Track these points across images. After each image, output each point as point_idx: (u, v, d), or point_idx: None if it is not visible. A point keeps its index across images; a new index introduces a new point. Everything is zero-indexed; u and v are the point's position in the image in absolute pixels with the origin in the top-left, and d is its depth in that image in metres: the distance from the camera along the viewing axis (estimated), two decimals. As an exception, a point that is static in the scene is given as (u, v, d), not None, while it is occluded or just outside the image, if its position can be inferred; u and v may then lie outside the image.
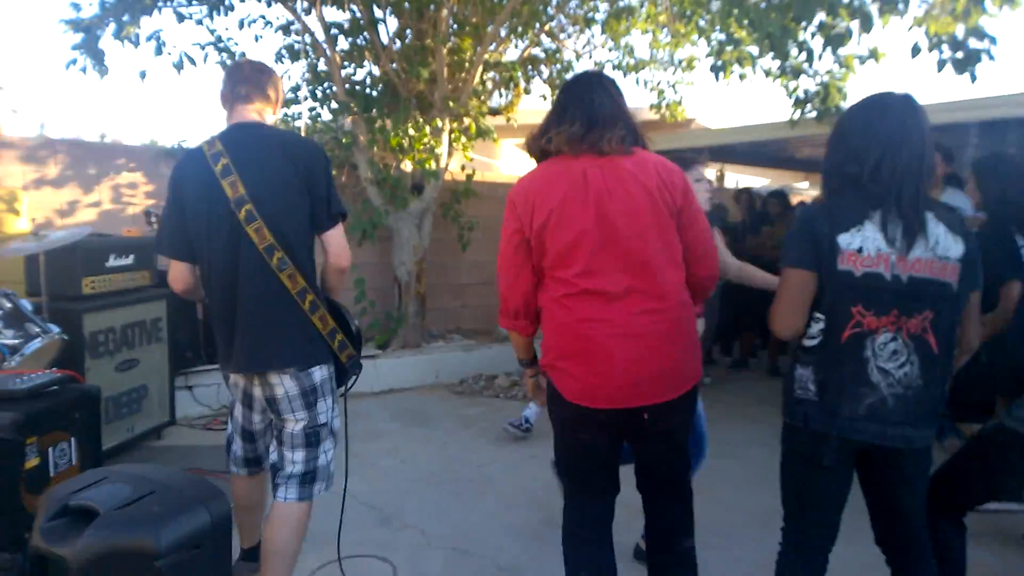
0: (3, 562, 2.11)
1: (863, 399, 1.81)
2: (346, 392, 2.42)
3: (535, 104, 7.47)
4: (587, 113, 1.97)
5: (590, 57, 7.02)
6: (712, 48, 6.06)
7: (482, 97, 6.46)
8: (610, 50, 7.00)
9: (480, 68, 5.98)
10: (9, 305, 2.98)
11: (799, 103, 5.91)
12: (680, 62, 7.15)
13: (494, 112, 6.76)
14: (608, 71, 6.98)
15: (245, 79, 2.25)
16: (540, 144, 2.03)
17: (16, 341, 2.86)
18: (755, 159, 8.71)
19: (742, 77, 6.13)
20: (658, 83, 7.28)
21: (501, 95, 6.80)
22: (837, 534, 1.99)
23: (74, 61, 5.24)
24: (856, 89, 7.12)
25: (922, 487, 1.96)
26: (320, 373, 2.23)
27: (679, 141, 6.84)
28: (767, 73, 6.08)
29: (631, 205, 1.91)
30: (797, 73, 5.89)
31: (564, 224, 1.93)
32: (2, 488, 2.09)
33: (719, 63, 5.94)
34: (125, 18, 5.12)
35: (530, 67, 6.77)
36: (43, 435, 2.21)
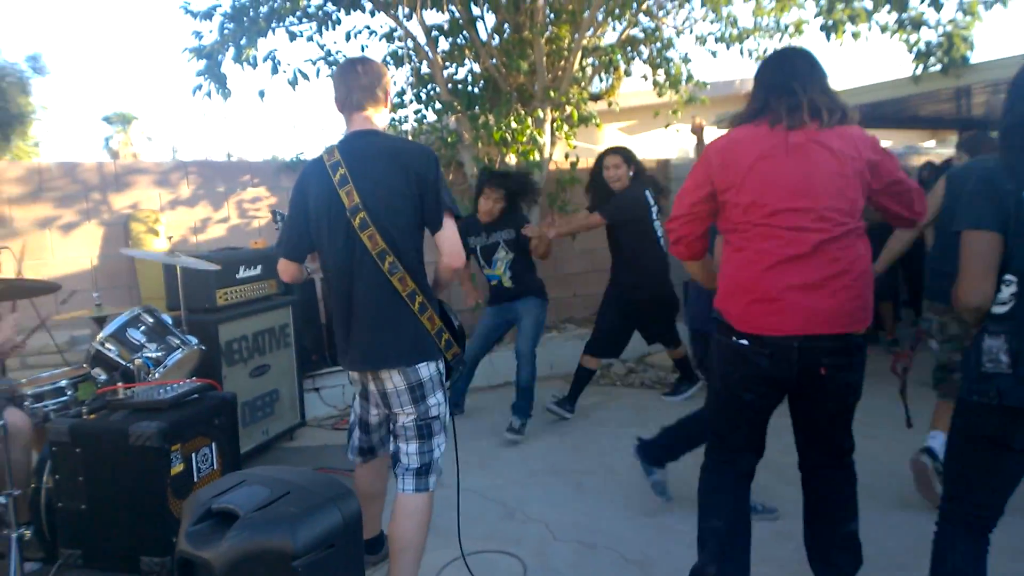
0: (154, 566, 2.25)
1: None
2: (450, 387, 2.47)
3: (636, 86, 7.28)
4: (790, 89, 2.09)
5: (691, 32, 6.75)
6: (821, 7, 5.71)
7: (582, 84, 6.35)
8: (711, 22, 6.71)
9: (579, 55, 5.88)
10: (152, 320, 3.19)
11: (921, 57, 5.48)
12: (787, 27, 6.78)
13: (595, 98, 6.64)
14: (710, 43, 6.71)
15: (358, 86, 2.31)
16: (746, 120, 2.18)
17: (159, 354, 3.05)
18: (875, 121, 8.14)
19: (855, 35, 5.76)
20: (764, 52, 6.93)
21: (601, 80, 6.68)
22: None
23: (199, 87, 5.58)
24: (982, 38, 6.48)
25: None
26: (427, 369, 2.29)
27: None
28: (883, 28, 5.68)
29: (819, 169, 2.03)
30: (917, 25, 5.47)
31: (753, 180, 2.08)
32: (151, 495, 2.23)
33: (830, 23, 5.60)
34: (243, 42, 5.39)
35: (629, 49, 6.60)
36: (186, 442, 2.35)
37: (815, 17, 5.87)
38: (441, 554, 2.87)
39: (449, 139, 6.19)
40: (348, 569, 1.73)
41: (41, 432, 3.13)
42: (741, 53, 6.76)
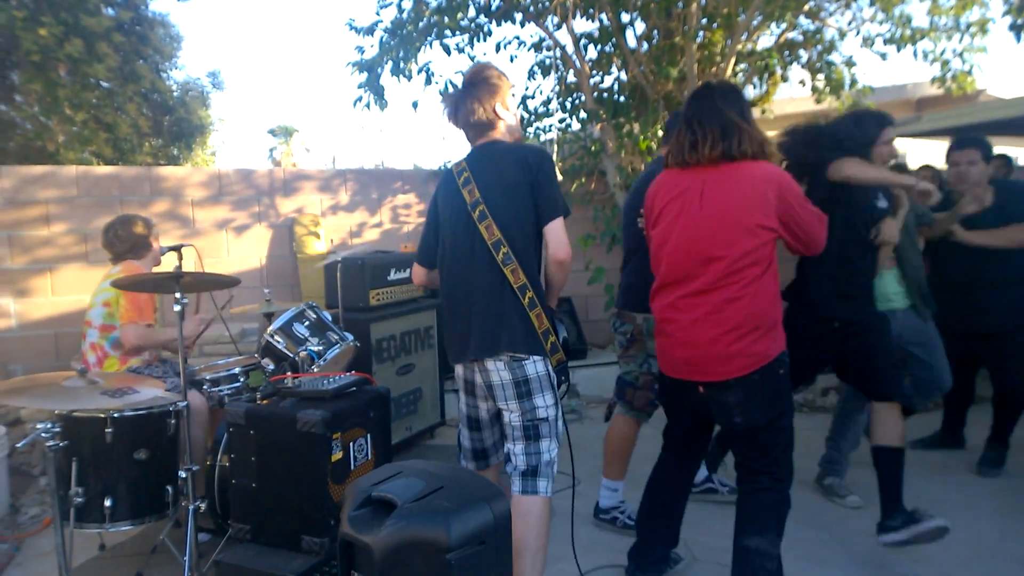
0: (313, 545, 2.38)
1: None
2: (559, 400, 2.40)
3: (793, 92, 6.96)
4: (691, 127, 2.35)
5: (857, 34, 6.36)
6: (1011, 5, 5.22)
7: (736, 91, 6.15)
8: (880, 23, 6.29)
9: (733, 60, 5.69)
10: (314, 316, 3.40)
11: None
12: (969, 26, 6.22)
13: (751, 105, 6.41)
14: (879, 45, 6.29)
15: (474, 117, 2.40)
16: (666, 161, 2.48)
17: (320, 347, 3.24)
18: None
19: (1050, 35, 5.21)
20: (941, 53, 6.40)
21: (755, 86, 6.43)
22: None
23: (359, 98, 5.92)
24: None
25: None
26: (533, 367, 2.30)
27: (968, 116, 5.94)
28: (1085, 26, 5.11)
29: (709, 213, 2.28)
30: None
31: (659, 224, 2.45)
32: (313, 478, 2.37)
33: (1019, 21, 5.10)
34: (401, 55, 5.67)
35: (787, 52, 6.31)
36: (345, 431, 2.47)
37: (1003, 16, 5.38)
38: (585, 560, 2.85)
39: (593, 148, 6.19)
40: (498, 568, 1.73)
41: (215, 414, 3.43)
42: (915, 55, 6.29)
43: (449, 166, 2.52)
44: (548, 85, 6.61)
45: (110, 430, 2.69)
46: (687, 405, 2.55)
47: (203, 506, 2.84)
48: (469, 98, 2.40)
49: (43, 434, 2.40)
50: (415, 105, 6.30)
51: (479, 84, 2.40)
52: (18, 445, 2.65)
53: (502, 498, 1.78)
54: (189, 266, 3.56)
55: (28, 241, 5.03)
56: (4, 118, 9.86)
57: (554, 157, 6.00)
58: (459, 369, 2.47)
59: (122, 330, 3.28)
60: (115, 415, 2.70)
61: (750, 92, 6.46)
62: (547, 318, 2.32)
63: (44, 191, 5.07)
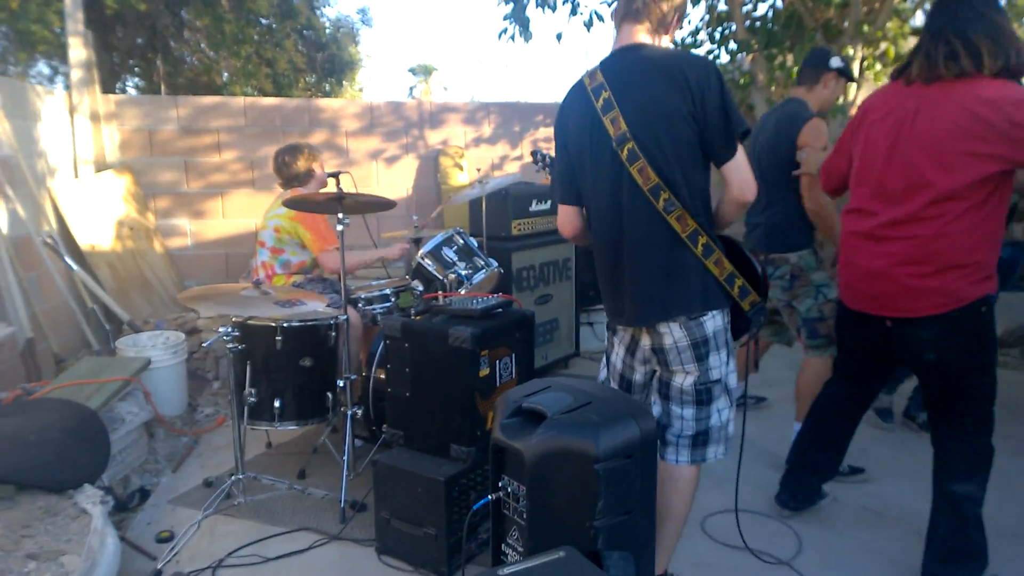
0: (461, 454, 2.54)
1: None
2: (752, 339, 2.25)
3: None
4: (945, 37, 2.07)
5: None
6: None
7: (904, 16, 5.61)
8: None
9: (906, -18, 5.19)
10: (461, 242, 3.54)
11: None
12: None
13: (917, 32, 5.83)
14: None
15: None
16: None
17: (467, 271, 3.39)
18: None
19: None
20: None
21: (926, 12, 5.83)
22: None
23: (504, 30, 5.93)
24: None
25: None
26: (713, 323, 1.99)
27: None
28: None
29: (921, 136, 2.08)
30: None
31: (862, 145, 2.29)
32: (462, 391, 2.51)
33: None
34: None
35: (970, -27, 5.65)
36: (492, 349, 2.59)
37: None
38: (711, 495, 2.87)
39: (742, 81, 5.89)
40: (643, 482, 1.78)
41: (368, 331, 3.68)
42: None
43: (581, 78, 2.06)
44: (697, 14, 6.30)
45: (279, 338, 2.96)
46: (869, 339, 2.41)
47: (359, 413, 3.11)
48: None
49: (224, 337, 2.69)
50: (559, 37, 6.21)
51: None
52: (204, 344, 2.99)
53: (648, 416, 1.82)
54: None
55: (202, 167, 5.50)
56: (175, 53, 10.67)
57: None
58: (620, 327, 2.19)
59: (320, 259, 3.57)
60: (284, 324, 2.97)
61: (922, 19, 5.87)
62: (727, 259, 1.97)
63: (216, 120, 5.50)
